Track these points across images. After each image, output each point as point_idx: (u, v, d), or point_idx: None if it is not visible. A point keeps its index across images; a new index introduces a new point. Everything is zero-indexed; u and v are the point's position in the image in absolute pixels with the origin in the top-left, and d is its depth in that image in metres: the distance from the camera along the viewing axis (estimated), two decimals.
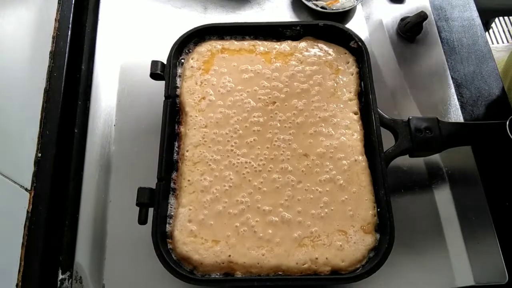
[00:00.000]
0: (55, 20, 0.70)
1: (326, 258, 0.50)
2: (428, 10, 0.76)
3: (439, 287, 0.56)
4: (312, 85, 0.60)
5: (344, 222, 0.52)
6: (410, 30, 0.73)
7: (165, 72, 0.59)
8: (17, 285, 0.54)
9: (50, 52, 0.68)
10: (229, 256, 0.50)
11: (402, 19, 0.74)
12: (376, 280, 0.56)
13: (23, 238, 0.56)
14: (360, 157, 0.56)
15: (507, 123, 0.56)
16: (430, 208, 0.61)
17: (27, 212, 0.58)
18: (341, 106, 0.59)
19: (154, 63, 0.59)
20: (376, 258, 0.50)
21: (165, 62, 0.60)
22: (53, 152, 0.61)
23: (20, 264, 0.55)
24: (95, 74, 0.70)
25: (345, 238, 0.51)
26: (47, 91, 0.65)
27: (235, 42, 0.64)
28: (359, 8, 0.77)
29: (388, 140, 0.57)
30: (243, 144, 0.56)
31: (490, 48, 0.75)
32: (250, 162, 0.55)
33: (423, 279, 0.57)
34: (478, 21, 0.77)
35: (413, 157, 0.60)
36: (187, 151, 0.56)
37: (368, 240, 0.51)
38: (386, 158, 0.55)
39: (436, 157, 0.63)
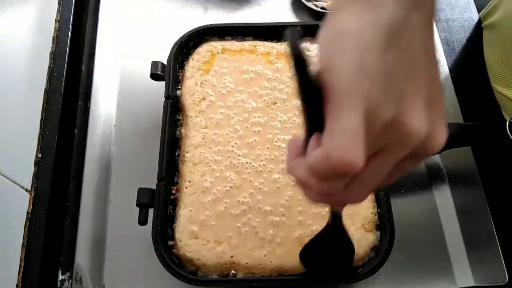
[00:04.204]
0: (56, 20, 0.70)
1: None
2: None
3: None
4: None
5: (345, 220, 0.52)
6: None
7: (165, 72, 0.59)
8: (17, 285, 0.54)
9: (51, 53, 0.67)
10: (231, 257, 0.50)
11: None
12: (376, 281, 0.56)
13: (23, 238, 0.56)
14: None
15: (507, 124, 0.56)
16: (430, 208, 0.61)
17: (27, 212, 0.57)
18: None
19: (154, 64, 0.59)
20: (376, 258, 0.50)
21: (165, 63, 0.60)
22: (53, 152, 0.61)
23: (20, 264, 0.55)
24: (95, 74, 0.70)
25: None
26: (47, 92, 0.65)
27: (236, 43, 0.64)
28: None
29: None
30: (244, 144, 0.56)
31: None
32: (250, 163, 0.55)
33: (423, 279, 0.57)
34: (478, 21, 0.77)
35: None
36: (188, 152, 0.56)
37: (370, 238, 0.52)
38: None
39: (436, 157, 0.64)
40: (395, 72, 0.25)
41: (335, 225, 0.42)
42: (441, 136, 0.28)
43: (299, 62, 0.24)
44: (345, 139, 0.23)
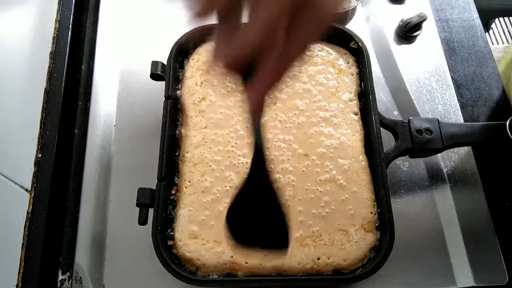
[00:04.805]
0: (56, 20, 0.70)
1: (328, 258, 0.50)
2: (428, 10, 0.76)
3: None
4: (314, 85, 0.60)
5: (345, 221, 0.52)
6: (410, 31, 0.73)
7: (165, 72, 0.59)
8: (17, 285, 0.54)
9: (50, 53, 0.68)
10: (231, 257, 0.50)
11: (402, 20, 0.74)
12: (376, 281, 0.56)
13: (23, 238, 0.56)
14: (360, 157, 0.56)
15: (507, 123, 0.56)
16: (430, 208, 0.61)
17: (27, 212, 0.58)
18: (342, 106, 0.59)
19: (154, 64, 0.59)
20: (376, 258, 0.50)
21: (165, 63, 0.60)
22: (53, 152, 0.61)
23: (20, 264, 0.55)
24: (95, 74, 0.70)
25: (346, 237, 0.51)
26: (47, 92, 0.65)
27: None
28: (359, 8, 0.77)
29: (388, 140, 0.57)
30: (244, 144, 0.56)
31: (490, 48, 0.75)
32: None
33: (423, 280, 0.57)
34: (478, 21, 0.77)
35: (413, 158, 0.60)
36: (187, 152, 0.56)
37: (369, 238, 0.51)
38: (386, 159, 0.55)
39: (436, 158, 0.64)
40: None
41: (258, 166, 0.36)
42: None
43: None
44: None
